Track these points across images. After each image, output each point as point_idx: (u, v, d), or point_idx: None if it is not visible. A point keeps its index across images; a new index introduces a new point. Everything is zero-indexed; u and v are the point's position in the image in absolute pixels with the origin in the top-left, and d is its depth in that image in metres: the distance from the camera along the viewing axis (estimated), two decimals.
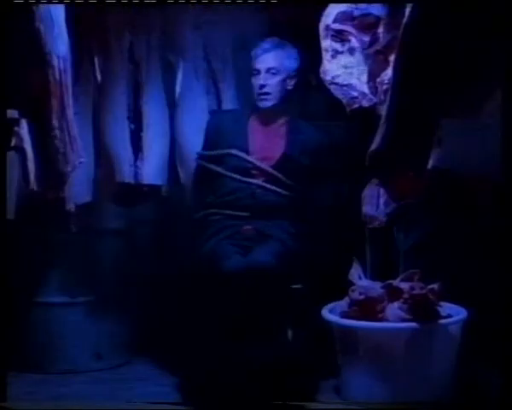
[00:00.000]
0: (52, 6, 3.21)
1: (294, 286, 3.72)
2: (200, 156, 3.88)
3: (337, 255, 4.36)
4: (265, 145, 3.84)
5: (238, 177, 3.77)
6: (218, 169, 3.81)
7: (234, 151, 3.79)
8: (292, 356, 3.66)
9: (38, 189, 3.50)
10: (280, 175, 3.78)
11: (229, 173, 3.78)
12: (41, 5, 3.17)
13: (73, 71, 3.56)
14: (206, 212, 3.81)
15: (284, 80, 3.81)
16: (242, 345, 3.50)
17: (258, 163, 3.78)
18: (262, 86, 3.77)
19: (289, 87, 3.87)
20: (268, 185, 3.76)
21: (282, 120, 3.87)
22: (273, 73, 3.78)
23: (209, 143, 3.88)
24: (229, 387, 3.49)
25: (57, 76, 3.30)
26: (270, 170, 3.78)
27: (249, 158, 3.79)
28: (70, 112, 3.40)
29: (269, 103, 3.79)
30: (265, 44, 3.83)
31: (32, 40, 3.19)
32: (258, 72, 3.79)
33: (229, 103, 4.11)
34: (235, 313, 3.46)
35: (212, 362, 3.59)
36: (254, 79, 3.80)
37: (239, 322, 3.47)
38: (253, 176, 3.78)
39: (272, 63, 3.78)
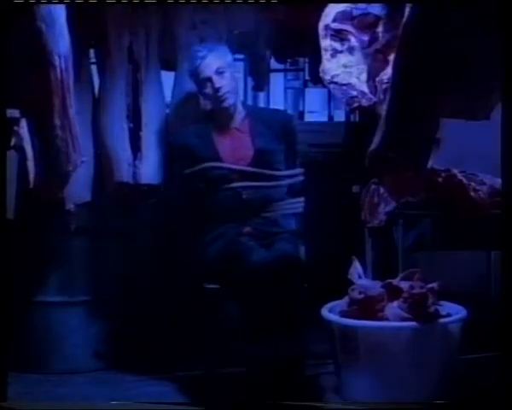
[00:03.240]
0: (53, 5, 3.20)
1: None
2: (180, 175, 3.86)
3: (337, 252, 4.38)
4: (235, 146, 3.83)
5: (220, 187, 3.75)
6: (200, 185, 3.79)
7: (207, 164, 3.77)
8: (295, 355, 3.66)
9: (38, 189, 3.50)
10: (259, 170, 3.77)
11: (210, 186, 3.76)
12: (42, 4, 3.16)
13: (73, 70, 3.55)
14: (204, 220, 3.80)
15: (231, 74, 3.81)
16: (261, 344, 3.49)
17: (233, 166, 3.77)
18: (218, 89, 3.76)
19: (236, 80, 3.88)
20: (252, 184, 3.75)
21: (241, 115, 3.87)
22: (221, 72, 3.77)
23: (183, 163, 3.86)
24: (232, 385, 3.50)
25: (58, 75, 3.29)
26: (248, 169, 3.77)
27: (224, 165, 3.77)
28: (71, 111, 3.39)
29: (230, 101, 3.79)
30: (200, 52, 3.81)
31: (32, 39, 3.18)
32: (208, 77, 3.77)
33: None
34: (260, 309, 3.43)
35: (222, 361, 3.60)
36: (207, 88, 3.78)
37: (264, 319, 3.44)
38: (234, 180, 3.76)
39: (217, 63, 3.77)
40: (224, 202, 3.74)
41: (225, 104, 3.78)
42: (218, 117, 3.85)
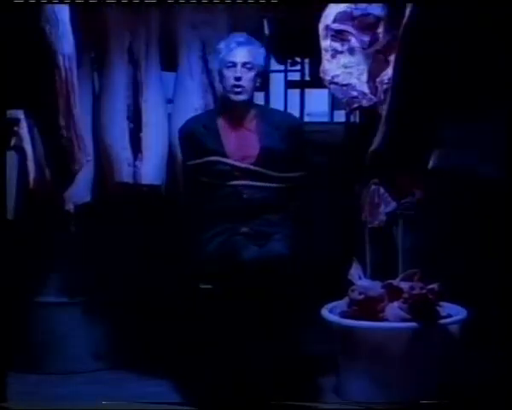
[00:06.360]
0: (56, 5, 3.21)
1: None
2: (184, 166, 3.87)
3: (336, 253, 4.38)
4: (241, 144, 3.81)
5: (222, 182, 3.75)
6: (202, 179, 3.79)
7: (212, 158, 3.76)
8: (294, 355, 3.66)
9: (38, 189, 3.51)
10: (263, 170, 3.76)
11: (212, 181, 3.76)
12: (45, 4, 3.17)
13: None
14: (204, 216, 3.80)
15: (256, 76, 3.79)
16: (253, 343, 3.50)
17: (238, 164, 3.76)
18: (238, 79, 3.73)
19: (257, 84, 3.86)
20: (254, 183, 3.75)
21: (251, 114, 3.85)
22: (248, 68, 3.74)
23: (187, 152, 3.85)
24: (231, 386, 3.49)
25: (63, 75, 3.30)
26: (253, 168, 3.76)
27: (229, 161, 3.76)
28: (76, 111, 3.39)
29: (242, 97, 3.76)
30: (238, 38, 3.80)
31: (36, 39, 3.18)
32: (234, 64, 3.74)
33: None
34: (251, 306, 3.46)
35: (217, 361, 3.59)
36: (228, 72, 3.75)
37: (254, 318, 3.47)
38: (237, 178, 3.76)
39: (248, 58, 3.75)
40: (225, 198, 3.74)
41: (238, 98, 3.76)
42: (228, 111, 3.84)
